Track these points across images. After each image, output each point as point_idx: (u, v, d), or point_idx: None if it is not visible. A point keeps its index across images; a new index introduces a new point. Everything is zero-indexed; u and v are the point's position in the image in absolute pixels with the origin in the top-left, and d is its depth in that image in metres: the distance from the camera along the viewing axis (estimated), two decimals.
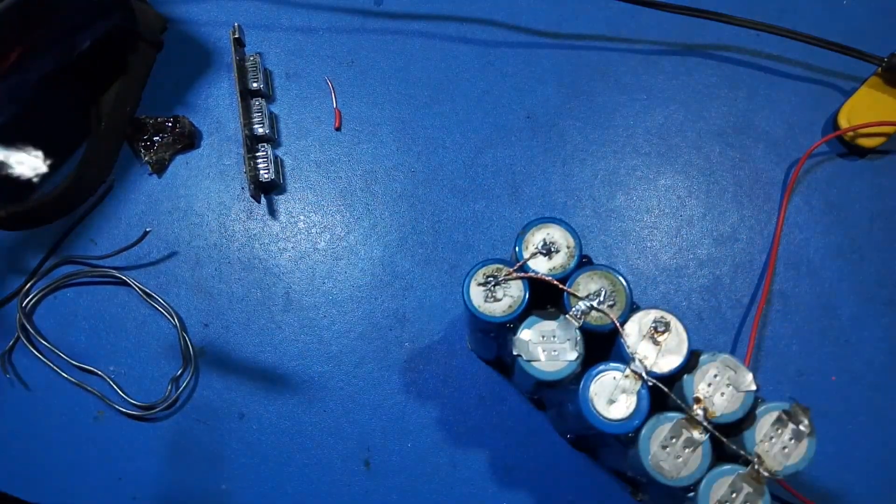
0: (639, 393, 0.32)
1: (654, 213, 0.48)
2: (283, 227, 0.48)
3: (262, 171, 0.47)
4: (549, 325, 0.34)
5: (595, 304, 0.34)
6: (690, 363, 0.33)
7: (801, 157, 0.47)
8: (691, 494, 0.32)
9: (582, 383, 0.33)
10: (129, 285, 0.47)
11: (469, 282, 0.35)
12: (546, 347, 0.34)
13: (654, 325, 0.33)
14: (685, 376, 0.33)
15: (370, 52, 0.51)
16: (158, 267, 0.48)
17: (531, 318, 0.34)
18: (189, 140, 0.49)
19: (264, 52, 0.51)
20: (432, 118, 0.50)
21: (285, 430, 0.45)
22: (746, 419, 0.32)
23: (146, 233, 0.46)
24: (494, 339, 0.39)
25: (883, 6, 0.51)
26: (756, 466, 0.31)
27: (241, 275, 0.47)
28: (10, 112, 0.43)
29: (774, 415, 0.32)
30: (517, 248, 0.35)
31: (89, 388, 0.45)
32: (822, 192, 0.48)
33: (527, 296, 0.34)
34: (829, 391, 0.45)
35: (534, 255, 0.35)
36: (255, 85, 0.49)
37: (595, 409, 0.32)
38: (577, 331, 0.34)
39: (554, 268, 0.35)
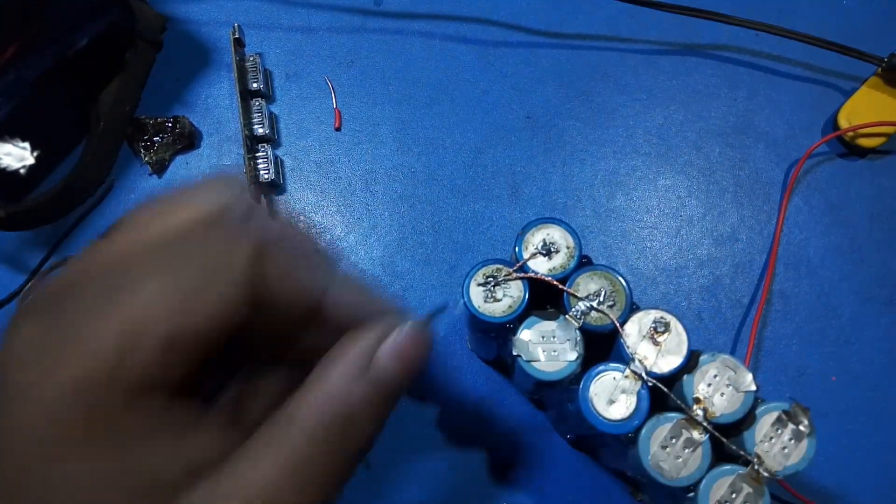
0: (639, 393, 0.32)
1: (654, 213, 0.48)
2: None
3: (262, 172, 0.47)
4: (549, 326, 0.34)
5: (595, 304, 0.34)
6: (690, 363, 0.33)
7: (801, 157, 0.47)
8: (691, 495, 0.32)
9: (582, 383, 0.33)
10: None
11: (469, 282, 0.35)
12: (546, 348, 0.34)
13: (653, 325, 0.33)
14: (685, 376, 0.33)
15: (370, 52, 0.51)
16: None
17: (531, 319, 0.34)
18: (189, 140, 0.49)
19: (264, 52, 0.51)
20: (432, 118, 0.50)
21: None
22: (746, 419, 0.32)
23: None
24: (494, 339, 0.39)
25: (883, 6, 0.51)
26: (756, 467, 0.31)
27: None
28: (5, 109, 0.43)
29: (774, 415, 0.32)
30: (517, 249, 0.35)
31: None
32: (822, 192, 0.48)
33: (527, 296, 0.34)
34: (829, 391, 0.45)
35: (534, 255, 0.35)
36: (255, 85, 0.49)
37: (595, 409, 0.32)
38: (577, 331, 0.34)
39: (554, 268, 0.35)
